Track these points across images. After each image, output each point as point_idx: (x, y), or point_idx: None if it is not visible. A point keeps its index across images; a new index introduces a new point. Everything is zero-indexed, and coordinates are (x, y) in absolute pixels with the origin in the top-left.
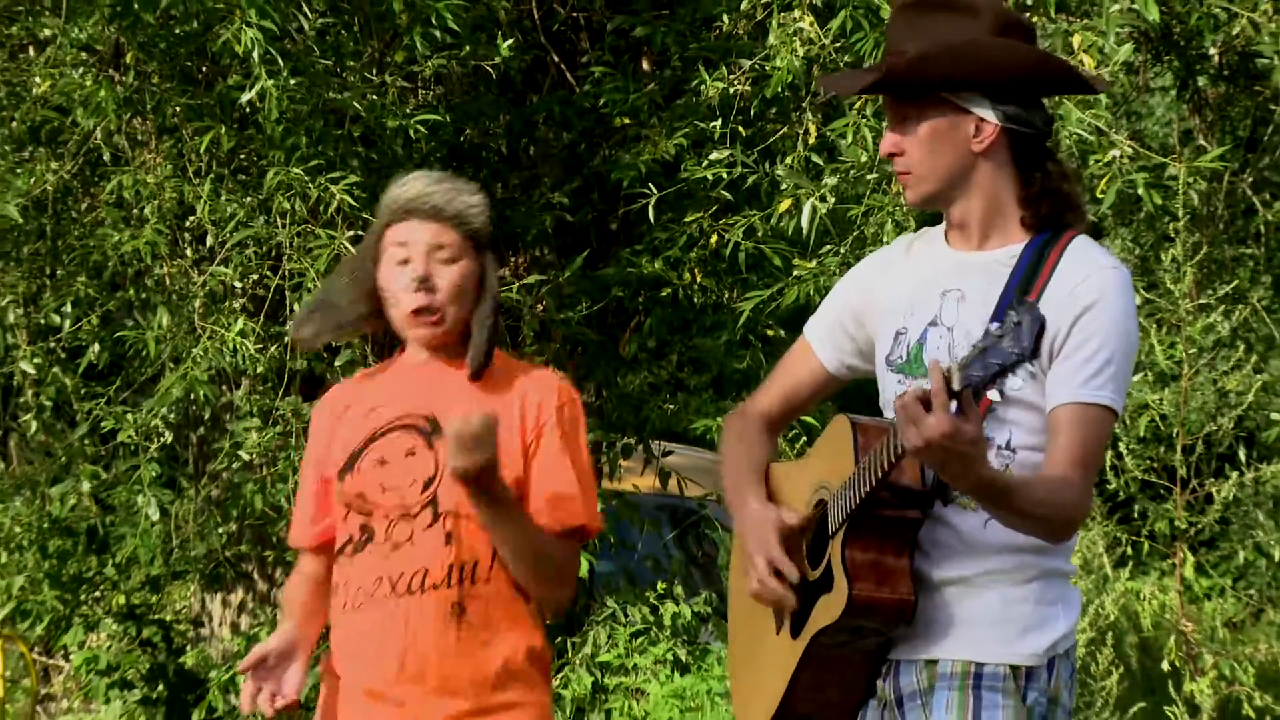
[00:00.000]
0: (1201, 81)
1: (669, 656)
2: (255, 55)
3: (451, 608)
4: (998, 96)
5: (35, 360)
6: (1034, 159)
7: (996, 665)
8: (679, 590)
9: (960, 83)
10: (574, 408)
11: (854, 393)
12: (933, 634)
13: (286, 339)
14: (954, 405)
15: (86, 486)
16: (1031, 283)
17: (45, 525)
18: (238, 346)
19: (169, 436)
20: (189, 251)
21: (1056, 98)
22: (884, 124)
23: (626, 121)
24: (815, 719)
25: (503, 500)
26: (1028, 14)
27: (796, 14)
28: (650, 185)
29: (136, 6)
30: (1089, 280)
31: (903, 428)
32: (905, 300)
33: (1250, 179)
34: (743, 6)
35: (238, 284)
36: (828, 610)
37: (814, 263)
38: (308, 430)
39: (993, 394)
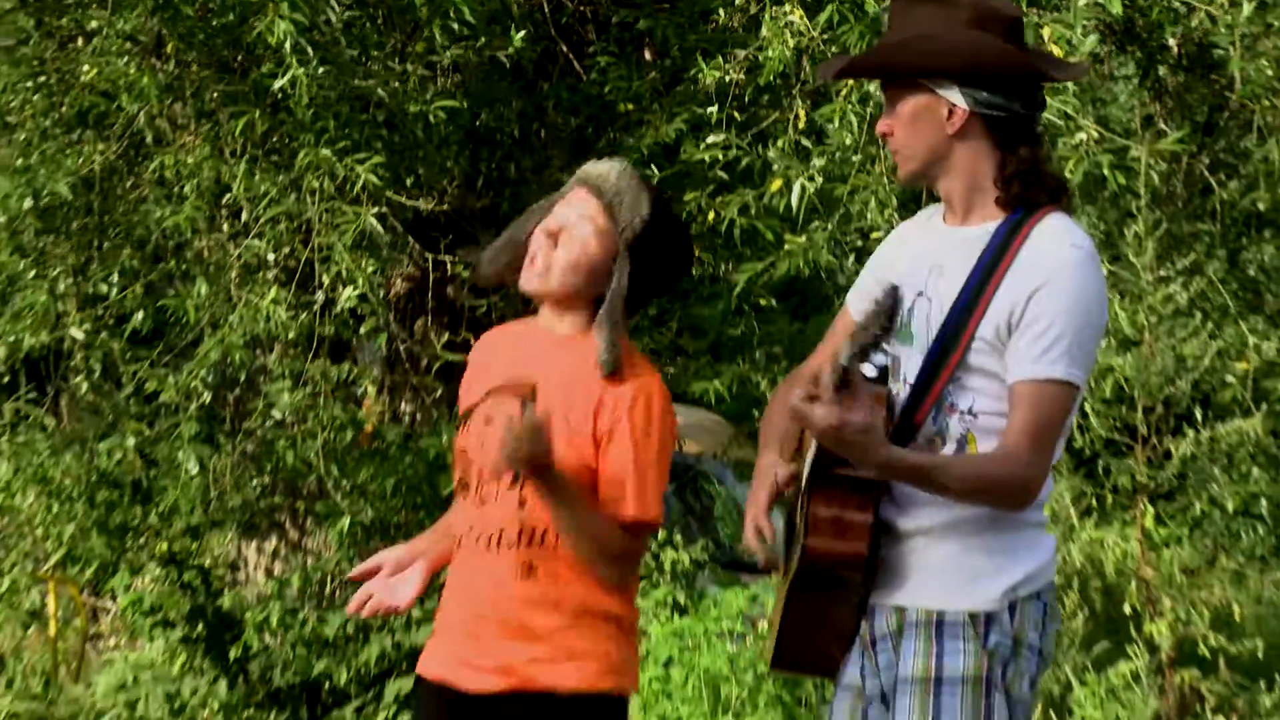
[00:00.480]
0: (1162, 70)
1: (669, 599)
2: (287, 45)
3: (523, 565)
4: (967, 83)
5: (84, 326)
6: (1012, 140)
7: (956, 613)
8: (678, 539)
9: (931, 70)
10: (649, 405)
11: None
12: (901, 581)
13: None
14: (841, 397)
15: (131, 442)
16: (1000, 259)
17: (93, 478)
18: (270, 314)
19: (207, 397)
20: (225, 226)
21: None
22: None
23: (630, 107)
24: (810, 653)
25: (554, 487)
26: None
27: (787, 8)
28: (652, 166)
29: (177, 1)
30: (1047, 259)
31: (798, 421)
32: (907, 271)
33: (1207, 161)
34: (737, 1)
35: (270, 256)
36: (795, 559)
37: (803, 238)
38: (336, 391)
39: (867, 369)
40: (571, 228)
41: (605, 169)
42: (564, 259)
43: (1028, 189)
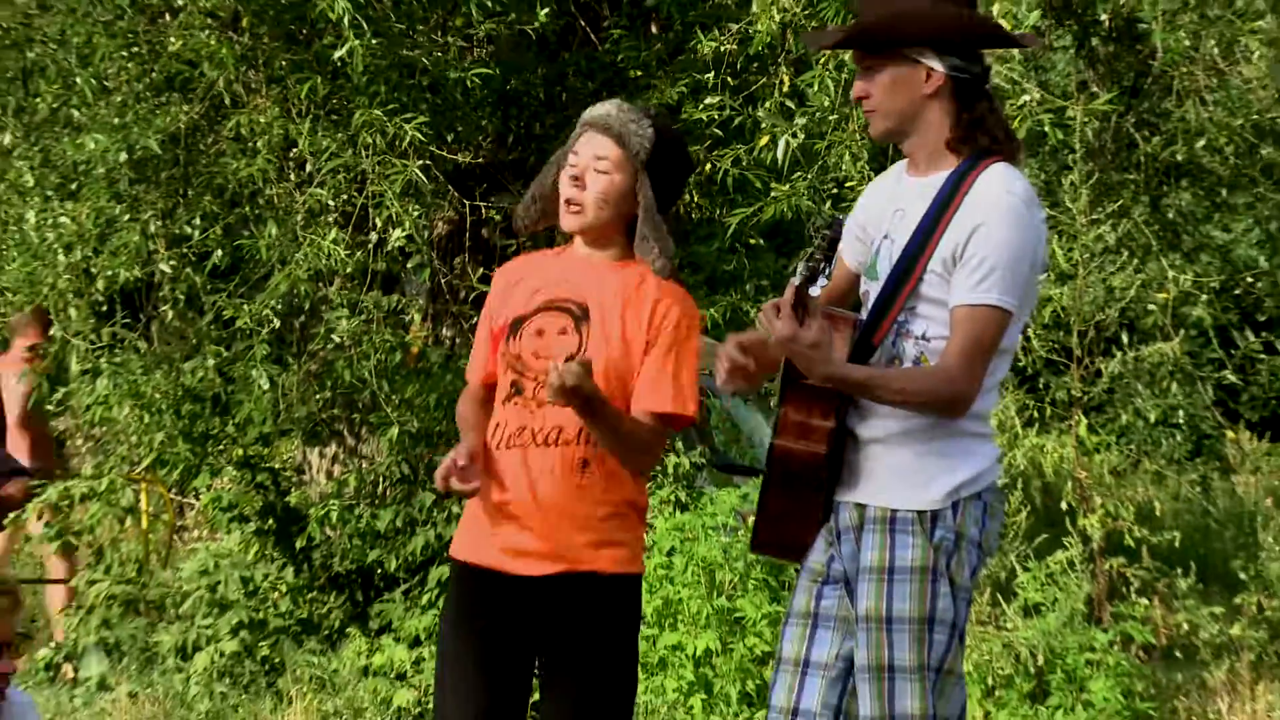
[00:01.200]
0: (1094, 42)
1: (672, 498)
2: (345, 20)
3: (578, 461)
4: (942, 50)
5: (171, 263)
6: (971, 100)
7: (907, 511)
8: (679, 445)
9: (913, 40)
10: (691, 322)
11: None
12: (862, 481)
13: (373, 243)
14: (798, 314)
15: (211, 362)
16: (949, 203)
17: (179, 393)
18: (330, 252)
19: (277, 323)
20: (292, 176)
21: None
22: (856, 74)
23: (639, 73)
24: (785, 539)
25: (598, 415)
26: None
27: None
28: None
29: None
30: (985, 203)
31: (761, 330)
32: (877, 216)
33: (1133, 120)
34: None
35: (330, 202)
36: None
37: (787, 186)
38: (387, 318)
39: (814, 290)
40: (592, 165)
41: (605, 109)
42: (593, 195)
43: (978, 138)
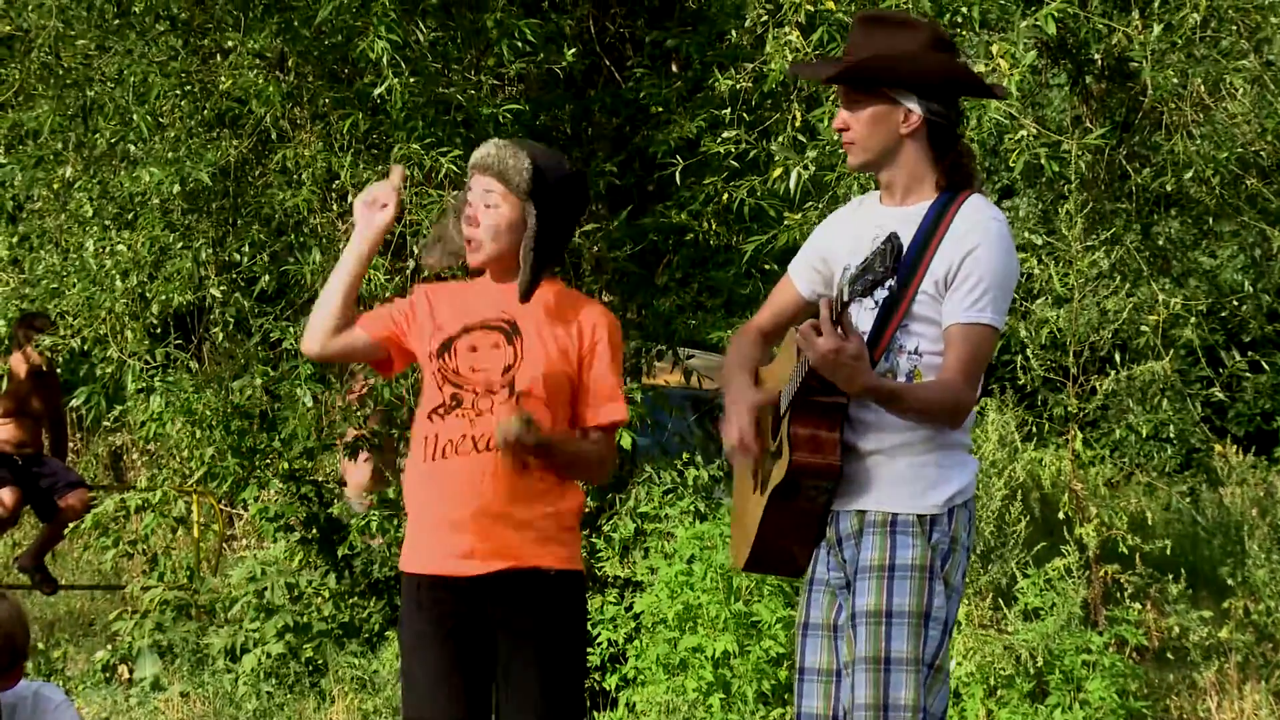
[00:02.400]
0: (1088, 79)
1: (692, 508)
2: (384, 60)
3: (519, 462)
4: (925, 94)
5: (221, 287)
6: (947, 141)
7: (907, 514)
8: (699, 459)
9: (898, 82)
10: (617, 333)
11: None
12: (862, 491)
13: (410, 268)
14: (839, 329)
15: (259, 381)
16: (935, 229)
17: (228, 410)
18: (370, 277)
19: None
20: (335, 207)
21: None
22: (839, 105)
23: (660, 109)
24: (781, 555)
25: (554, 453)
26: (960, 29)
27: (787, 29)
28: (678, 156)
29: (296, 24)
30: (975, 228)
31: (803, 347)
32: (850, 244)
33: (1124, 152)
34: (746, 24)
35: None
36: (779, 472)
37: (799, 215)
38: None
39: (867, 302)
40: (481, 203)
41: (485, 150)
42: (486, 229)
43: (958, 176)
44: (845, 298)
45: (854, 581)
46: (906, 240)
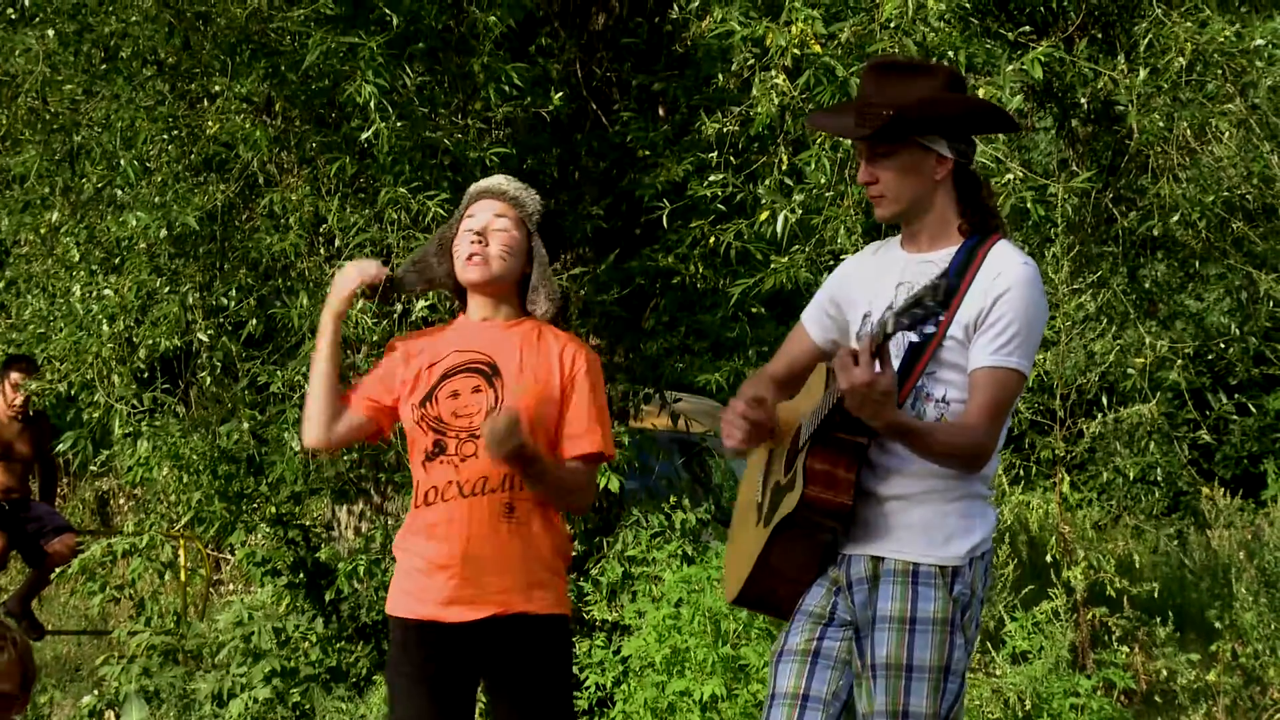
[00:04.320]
0: (1074, 123)
1: (679, 551)
2: (371, 104)
3: (504, 506)
4: (953, 137)
5: (209, 331)
6: (969, 181)
7: (930, 565)
8: (686, 502)
9: (930, 128)
10: (597, 365)
11: None
12: (880, 536)
13: (398, 312)
14: (876, 364)
15: (246, 425)
16: (963, 274)
17: (215, 454)
18: (358, 320)
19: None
20: (322, 250)
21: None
22: (857, 156)
23: (647, 153)
24: (776, 593)
25: (537, 466)
26: None
27: (773, 73)
28: (664, 200)
29: (283, 69)
30: (1005, 273)
31: (837, 376)
32: (870, 290)
33: (1111, 196)
34: (733, 68)
35: None
36: (788, 504)
37: (786, 258)
38: None
39: (913, 336)
40: (492, 224)
41: (497, 180)
42: (497, 247)
43: (983, 218)
44: (889, 329)
45: (871, 631)
46: None
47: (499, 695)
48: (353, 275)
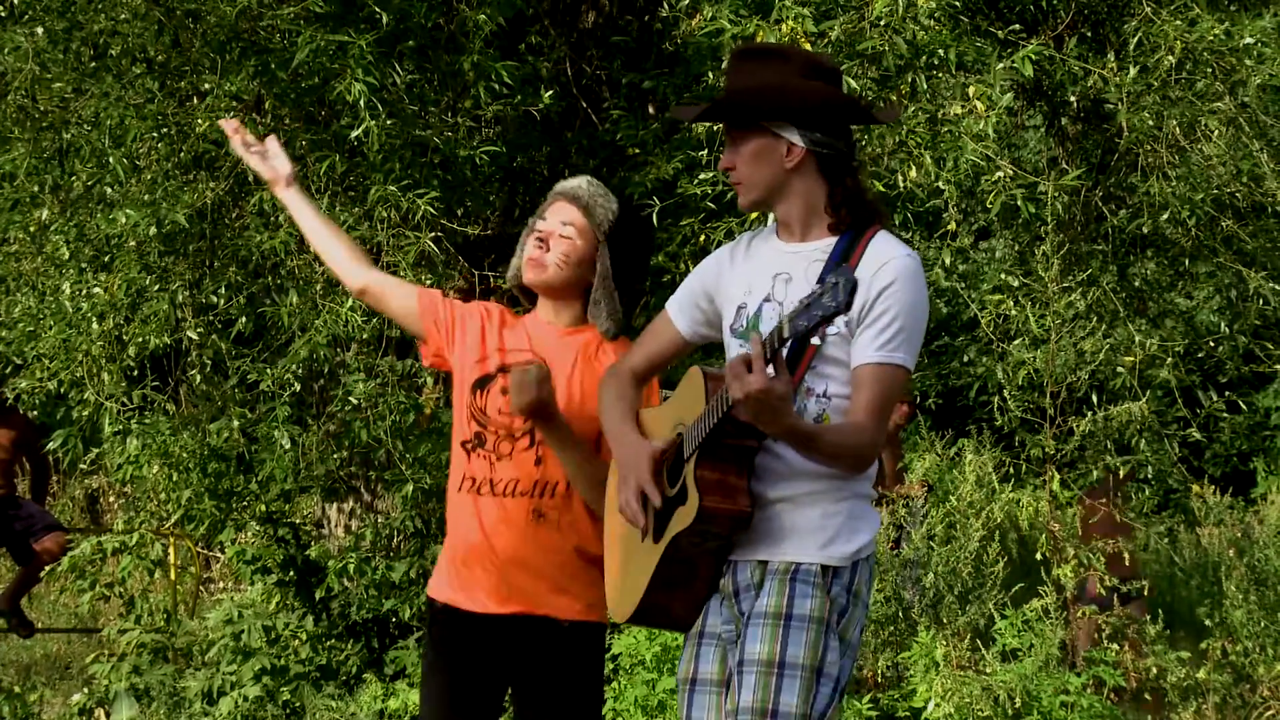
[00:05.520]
0: (1064, 121)
1: None
2: (361, 102)
3: (533, 511)
4: (804, 125)
5: (198, 330)
6: (839, 173)
7: (810, 564)
8: None
9: (772, 114)
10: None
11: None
12: (765, 540)
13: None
14: (770, 368)
15: (236, 424)
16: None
17: (205, 453)
18: (348, 319)
19: (298, 386)
20: (311, 248)
21: (959, 137)
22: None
23: (636, 151)
24: (672, 608)
25: (559, 429)
26: (936, 71)
27: None
28: (655, 198)
29: (273, 67)
30: (886, 266)
31: (730, 384)
32: (745, 282)
33: (1101, 194)
34: (723, 65)
35: None
36: (683, 518)
37: None
38: (401, 381)
39: (815, 340)
40: (558, 230)
41: (576, 181)
42: (556, 255)
43: (854, 212)
44: (785, 334)
45: (745, 628)
46: (811, 277)
47: (525, 702)
48: None
